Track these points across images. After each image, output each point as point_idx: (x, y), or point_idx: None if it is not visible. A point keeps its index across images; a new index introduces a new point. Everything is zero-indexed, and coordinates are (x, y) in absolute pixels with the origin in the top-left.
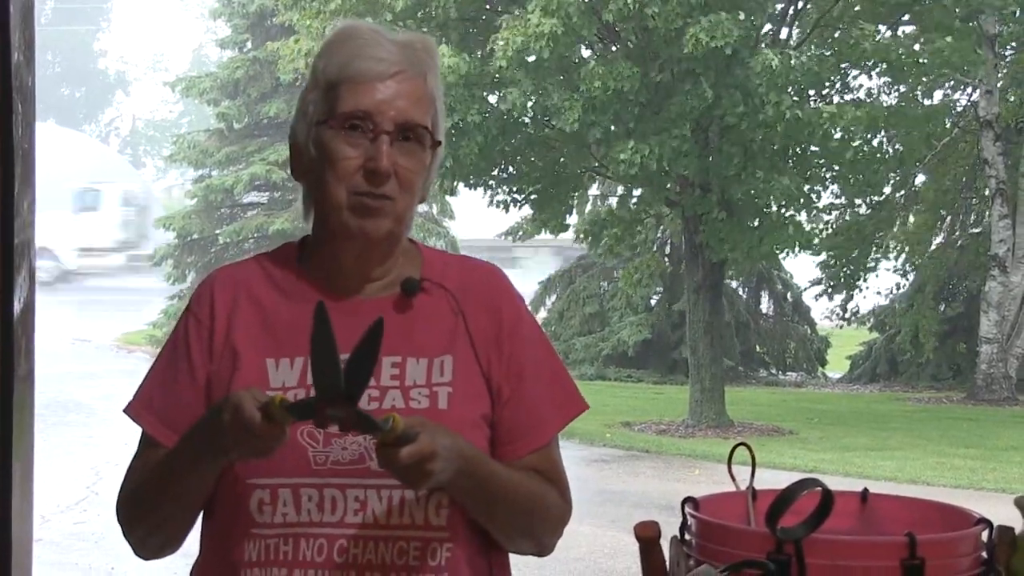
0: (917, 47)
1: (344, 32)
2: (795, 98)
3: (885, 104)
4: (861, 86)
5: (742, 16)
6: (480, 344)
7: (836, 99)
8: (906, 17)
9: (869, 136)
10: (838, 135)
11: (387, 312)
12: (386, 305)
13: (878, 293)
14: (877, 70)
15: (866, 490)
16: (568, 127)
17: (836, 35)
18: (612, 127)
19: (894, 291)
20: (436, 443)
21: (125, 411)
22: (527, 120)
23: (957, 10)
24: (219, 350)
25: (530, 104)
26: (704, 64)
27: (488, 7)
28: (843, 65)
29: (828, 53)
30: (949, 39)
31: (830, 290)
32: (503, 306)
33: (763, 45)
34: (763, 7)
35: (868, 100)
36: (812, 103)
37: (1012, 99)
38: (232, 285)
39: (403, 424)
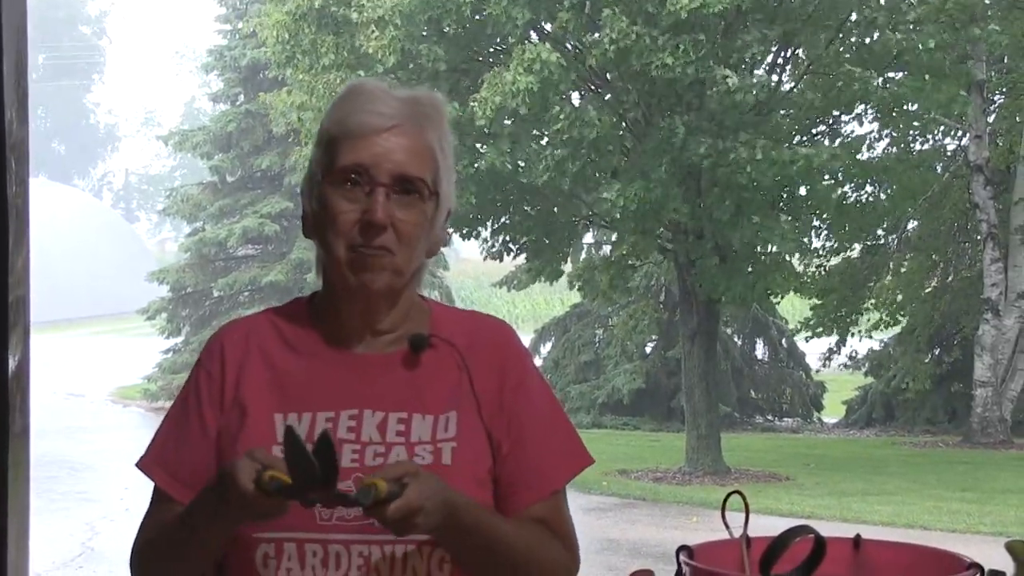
0: (906, 90)
1: (349, 89)
2: (791, 140)
3: (878, 150)
4: (852, 132)
5: (702, 37)
6: (484, 400)
7: (826, 142)
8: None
9: (859, 182)
10: (827, 180)
11: (395, 368)
12: (394, 360)
13: (872, 338)
14: (867, 114)
15: (859, 536)
16: (538, 179)
17: (826, 79)
18: (596, 173)
19: (885, 335)
20: (422, 496)
21: (137, 465)
22: (513, 170)
23: (946, 57)
24: (229, 404)
25: (507, 160)
26: (675, 96)
27: (478, 59)
28: (834, 111)
29: (818, 95)
30: (940, 84)
31: (822, 332)
32: (508, 363)
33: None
34: (748, 45)
35: (851, 149)
36: (800, 146)
37: (1000, 143)
38: (243, 339)
39: (386, 489)
